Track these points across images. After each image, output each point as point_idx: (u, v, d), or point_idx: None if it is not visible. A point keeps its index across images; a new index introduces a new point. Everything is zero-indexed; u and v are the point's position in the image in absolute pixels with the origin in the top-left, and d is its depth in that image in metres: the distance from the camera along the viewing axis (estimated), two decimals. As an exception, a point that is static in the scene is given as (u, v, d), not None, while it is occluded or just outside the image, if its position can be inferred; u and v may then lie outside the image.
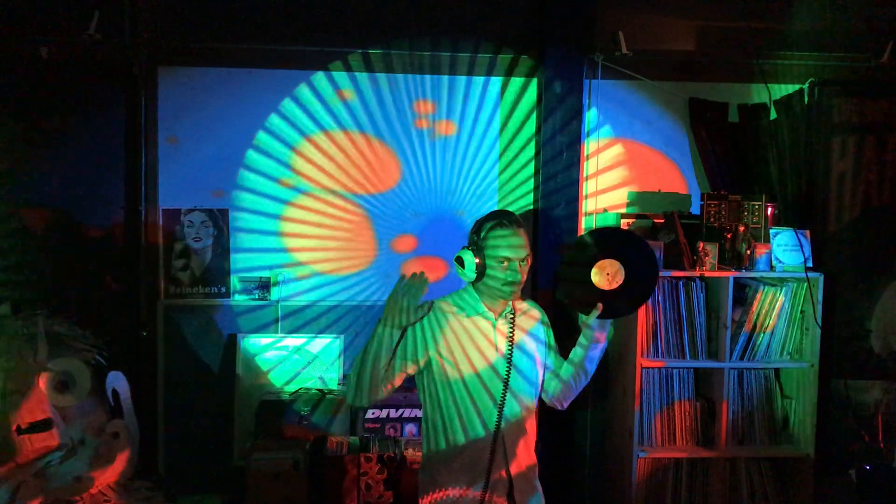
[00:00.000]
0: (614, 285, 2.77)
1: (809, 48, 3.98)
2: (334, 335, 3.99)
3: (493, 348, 2.69)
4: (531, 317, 2.81)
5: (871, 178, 4.03)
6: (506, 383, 2.68)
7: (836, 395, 3.86)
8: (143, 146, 3.88)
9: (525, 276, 2.66)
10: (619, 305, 2.80)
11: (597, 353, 2.82)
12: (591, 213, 4.06)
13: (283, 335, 3.97)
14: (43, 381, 3.30)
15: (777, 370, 3.78)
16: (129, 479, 3.45)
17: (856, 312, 4.03)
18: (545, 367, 2.83)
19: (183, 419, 3.99)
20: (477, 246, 2.64)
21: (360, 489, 3.59)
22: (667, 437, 3.74)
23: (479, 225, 2.67)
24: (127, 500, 3.38)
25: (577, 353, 2.83)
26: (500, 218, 2.65)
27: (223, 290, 3.98)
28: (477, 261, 2.63)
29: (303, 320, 4.02)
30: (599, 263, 2.77)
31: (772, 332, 3.69)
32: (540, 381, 2.81)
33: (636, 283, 2.78)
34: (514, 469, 2.72)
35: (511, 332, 2.70)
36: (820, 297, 3.61)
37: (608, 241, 2.82)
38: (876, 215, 4.00)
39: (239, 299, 3.98)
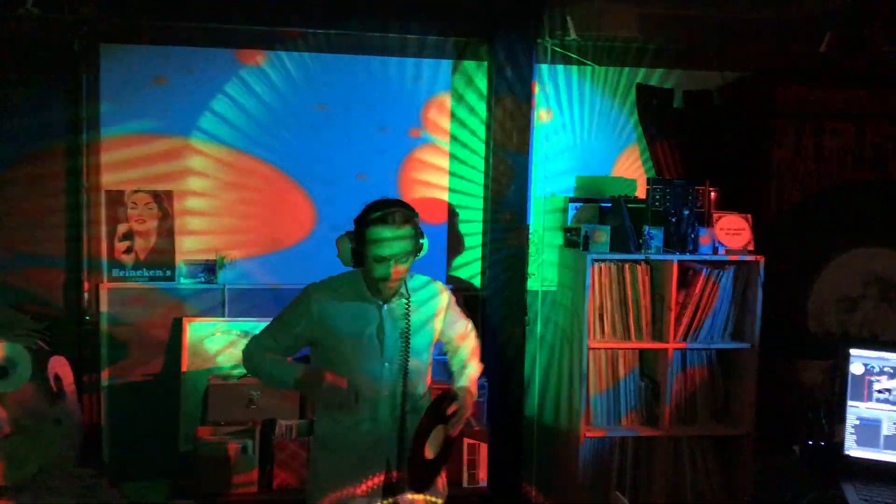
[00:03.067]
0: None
1: (753, 37, 4.06)
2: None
3: (381, 331, 2.70)
4: (426, 296, 2.81)
5: (809, 164, 4.15)
6: (402, 367, 2.70)
7: (776, 375, 3.97)
8: (85, 126, 3.77)
9: (405, 270, 2.64)
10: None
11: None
12: (540, 197, 4.09)
13: (229, 318, 3.92)
14: (-19, 367, 3.21)
15: (719, 351, 3.88)
16: (73, 466, 3.38)
17: (794, 294, 4.15)
18: (444, 341, 2.92)
19: (127, 404, 3.91)
20: (357, 235, 2.62)
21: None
22: (613, 416, 3.81)
23: (365, 214, 2.62)
24: (70, 487, 3.32)
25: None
26: (385, 212, 2.58)
27: (168, 273, 3.91)
28: (353, 248, 2.61)
29: (249, 303, 3.97)
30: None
31: (714, 314, 3.78)
32: (430, 361, 2.86)
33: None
34: (404, 454, 2.72)
35: (406, 316, 2.69)
36: (760, 280, 3.71)
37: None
38: (814, 201, 4.12)
39: (184, 282, 3.92)
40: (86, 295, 3.83)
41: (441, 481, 2.84)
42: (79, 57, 3.73)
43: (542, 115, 4.08)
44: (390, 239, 2.56)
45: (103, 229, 3.85)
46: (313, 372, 2.65)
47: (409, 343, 2.69)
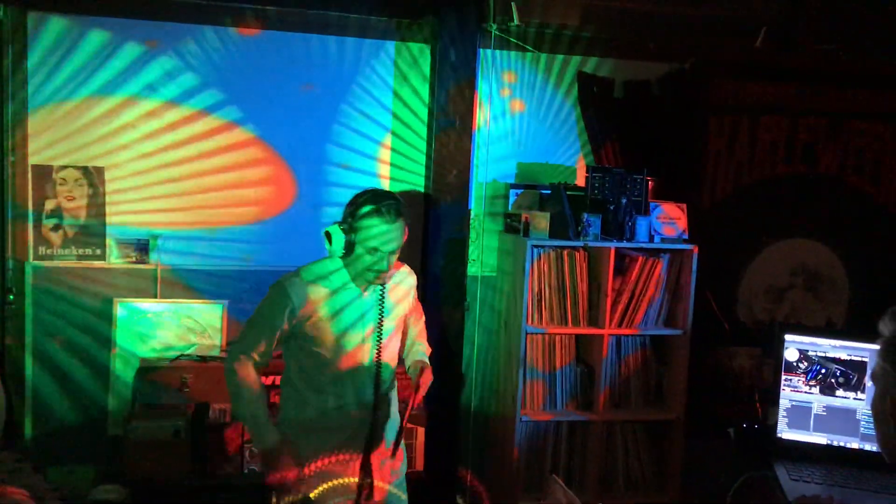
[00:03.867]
0: None
1: (691, 31, 4.13)
2: (216, 301, 3.88)
3: (361, 318, 2.70)
4: (401, 284, 2.86)
5: (743, 156, 4.25)
6: (378, 351, 2.74)
7: (709, 361, 4.08)
8: (10, 97, 3.62)
9: (394, 262, 2.68)
10: None
11: None
12: (481, 183, 4.10)
13: (162, 300, 3.83)
14: None
15: (653, 337, 3.95)
16: (-5, 450, 3.25)
17: (725, 283, 4.26)
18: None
19: (53, 387, 3.78)
20: (349, 226, 2.60)
21: (244, 457, 3.53)
22: (548, 400, 3.85)
23: (357, 205, 2.60)
24: (-8, 471, 3.19)
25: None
26: (381, 205, 2.57)
27: (98, 251, 3.79)
28: (346, 240, 2.60)
29: (183, 284, 3.88)
30: None
31: (649, 301, 3.85)
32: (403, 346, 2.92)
33: None
34: (380, 435, 2.83)
35: (381, 303, 2.72)
36: (694, 268, 3.79)
37: None
38: (747, 192, 4.23)
39: (115, 261, 3.80)
40: (10, 274, 3.68)
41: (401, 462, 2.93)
42: (4, 26, 3.56)
43: (508, 99, 4.07)
44: (385, 233, 2.56)
45: (30, 205, 3.71)
46: (276, 455, 2.65)
47: (383, 328, 2.72)
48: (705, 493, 3.55)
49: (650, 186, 3.92)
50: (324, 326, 2.68)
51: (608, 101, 4.16)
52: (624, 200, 3.80)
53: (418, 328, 3.01)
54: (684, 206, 3.88)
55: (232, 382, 2.70)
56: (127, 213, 3.80)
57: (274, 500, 2.77)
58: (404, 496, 2.98)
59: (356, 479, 2.75)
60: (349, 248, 2.61)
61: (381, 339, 2.72)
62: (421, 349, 2.93)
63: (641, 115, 4.16)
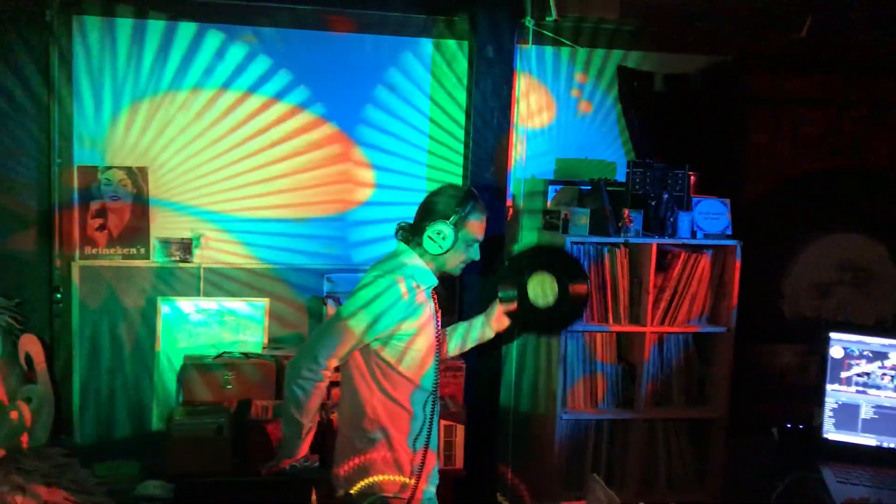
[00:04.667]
0: (543, 303, 2.97)
1: (733, 21, 4.06)
2: (258, 299, 3.92)
3: (434, 318, 2.72)
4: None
5: (786, 150, 4.17)
6: (438, 349, 2.75)
7: (752, 359, 4.01)
8: (57, 100, 3.69)
9: None
10: (541, 322, 3.05)
11: (481, 339, 3.05)
12: (520, 180, 4.08)
13: (205, 298, 3.88)
14: (-51, 345, 3.15)
15: (695, 334, 3.89)
16: (44, 446, 3.33)
17: (770, 279, 4.19)
18: None
19: (100, 384, 3.86)
20: (458, 222, 2.63)
21: (285, 453, 3.56)
22: (589, 399, 3.82)
23: (458, 200, 2.64)
24: (41, 466, 3.26)
25: (470, 329, 2.99)
26: (477, 200, 2.69)
27: (143, 251, 3.85)
28: (454, 235, 2.62)
29: (226, 283, 3.93)
30: (540, 279, 2.94)
31: (692, 298, 3.80)
32: None
33: (563, 310, 3.01)
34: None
35: (435, 303, 2.77)
36: (737, 264, 3.73)
37: (554, 259, 3.04)
38: (791, 186, 4.15)
39: (159, 260, 3.86)
40: (57, 273, 3.75)
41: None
42: (50, 28, 3.63)
43: (545, 95, 4.05)
44: (484, 224, 2.70)
45: (76, 206, 3.78)
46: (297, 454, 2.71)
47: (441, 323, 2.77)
48: (748, 493, 3.49)
49: (692, 181, 3.86)
50: (420, 324, 2.67)
51: (648, 96, 4.11)
52: (665, 196, 3.75)
53: None
54: (727, 200, 3.82)
55: (306, 395, 2.61)
56: (170, 212, 3.86)
57: (314, 495, 2.78)
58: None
59: (398, 478, 2.74)
60: (450, 245, 2.64)
61: (441, 336, 2.78)
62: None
63: (682, 109, 4.11)
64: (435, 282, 2.73)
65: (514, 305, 2.96)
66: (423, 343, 2.68)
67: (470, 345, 3.05)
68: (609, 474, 3.85)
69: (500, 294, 2.97)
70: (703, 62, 4.14)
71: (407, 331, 2.63)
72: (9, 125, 3.65)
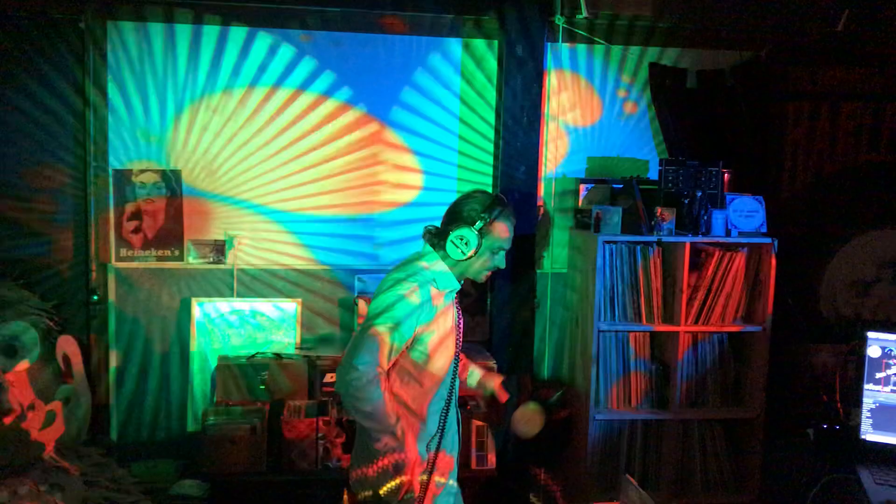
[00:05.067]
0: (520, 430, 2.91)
1: (767, 16, 4.00)
2: (290, 300, 3.94)
3: (454, 323, 2.70)
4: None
5: (823, 145, 4.10)
6: (458, 354, 2.72)
7: (788, 359, 3.94)
8: (92, 104, 3.75)
9: None
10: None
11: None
12: (550, 178, 4.05)
13: (238, 299, 3.91)
14: (-11, 346, 3.21)
15: (730, 334, 3.84)
16: (81, 445, 3.38)
17: (806, 277, 4.12)
18: None
19: (136, 384, 3.91)
20: (483, 228, 2.59)
21: (318, 453, 3.58)
22: (623, 399, 3.79)
23: (486, 207, 2.59)
24: (78, 465, 3.32)
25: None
26: (505, 206, 2.63)
27: (177, 252, 3.90)
28: (478, 242, 2.58)
29: (259, 284, 3.96)
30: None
31: (726, 297, 3.75)
32: None
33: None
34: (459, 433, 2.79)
35: (457, 306, 2.74)
36: (773, 262, 3.67)
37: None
38: (828, 182, 4.08)
39: (193, 262, 3.90)
40: (94, 274, 3.81)
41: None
42: (85, 35, 3.69)
43: (576, 93, 4.01)
44: (511, 232, 2.65)
45: (111, 209, 3.83)
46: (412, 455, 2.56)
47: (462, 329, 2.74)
48: (783, 494, 3.44)
49: (726, 179, 3.81)
50: (438, 330, 2.65)
51: (681, 92, 4.06)
52: (699, 193, 3.70)
53: None
54: (762, 197, 3.76)
55: (369, 400, 2.44)
56: (203, 214, 3.90)
57: (346, 495, 2.79)
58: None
59: (425, 478, 2.73)
60: (475, 251, 2.61)
61: (460, 341, 2.74)
62: None
63: (716, 105, 4.05)
64: (456, 286, 2.68)
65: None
66: (439, 349, 2.63)
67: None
68: (644, 475, 3.81)
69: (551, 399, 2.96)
70: (737, 57, 4.08)
71: (424, 336, 2.60)
72: (46, 131, 3.72)
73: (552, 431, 2.92)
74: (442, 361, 2.65)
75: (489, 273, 2.68)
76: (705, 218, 3.67)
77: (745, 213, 3.74)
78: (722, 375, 3.84)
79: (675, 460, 3.81)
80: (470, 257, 2.60)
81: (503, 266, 2.67)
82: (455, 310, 2.73)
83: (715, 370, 3.82)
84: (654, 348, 3.84)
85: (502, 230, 2.61)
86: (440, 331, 2.63)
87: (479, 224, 2.58)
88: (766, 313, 3.72)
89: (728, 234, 3.71)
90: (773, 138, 4.05)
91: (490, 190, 3.98)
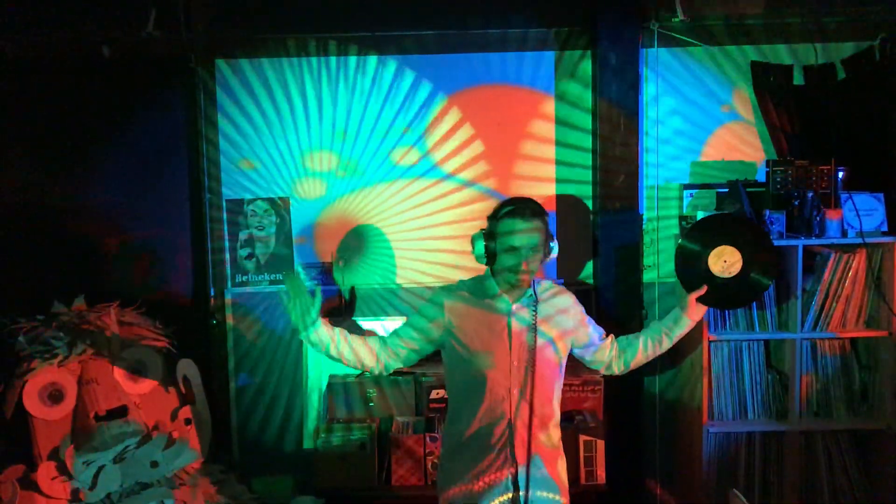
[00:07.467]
0: (727, 273, 3.03)
1: (878, 2, 3.79)
2: (398, 318, 4.01)
3: (507, 332, 2.69)
4: (556, 302, 2.82)
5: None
6: (527, 369, 2.70)
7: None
8: (205, 140, 3.96)
9: (535, 266, 2.70)
10: (730, 294, 3.08)
11: (683, 331, 2.95)
12: (652, 186, 3.97)
13: (347, 318, 4.01)
14: (117, 370, 3.41)
15: (853, 339, 3.64)
16: (203, 463, 3.55)
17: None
18: (588, 346, 2.91)
19: (254, 404, 4.08)
20: (490, 231, 2.71)
21: (426, 469, 3.62)
22: (738, 410, 3.65)
23: (496, 210, 2.73)
24: (201, 482, 3.48)
25: (664, 324, 2.96)
26: (518, 206, 2.69)
27: (288, 276, 4.04)
28: (486, 245, 2.70)
29: (368, 303, 4.05)
30: (719, 250, 3.03)
31: (846, 301, 3.55)
32: (562, 366, 2.83)
33: (751, 276, 3.07)
34: (523, 456, 2.71)
35: (533, 319, 2.71)
36: (896, 263, 3.46)
37: (729, 228, 3.12)
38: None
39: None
40: (212, 300, 4.00)
41: (561, 477, 2.82)
42: (195, 73, 3.91)
43: (675, 97, 3.94)
44: (521, 230, 2.65)
45: (226, 236, 4.03)
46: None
47: (536, 345, 2.71)
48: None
49: (840, 177, 3.62)
50: (472, 338, 2.72)
51: (787, 89, 3.89)
52: (810, 194, 3.54)
53: (598, 331, 2.96)
54: (881, 195, 3.55)
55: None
56: (311, 238, 4.04)
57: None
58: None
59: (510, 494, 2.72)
60: (491, 254, 2.70)
61: (532, 357, 2.70)
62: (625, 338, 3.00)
63: (826, 101, 3.86)
64: (495, 290, 2.75)
65: (703, 290, 2.97)
66: (482, 354, 2.72)
67: (667, 346, 2.96)
68: (765, 489, 3.65)
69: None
70: (846, 49, 3.88)
71: (457, 338, 2.74)
72: (162, 164, 3.95)
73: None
74: (486, 368, 2.71)
75: (522, 275, 2.67)
76: (818, 219, 3.50)
77: (863, 212, 3.54)
78: (846, 384, 3.64)
79: (798, 474, 3.63)
80: (488, 261, 2.72)
81: (515, 266, 2.66)
82: (513, 320, 2.73)
83: (838, 378, 3.63)
84: (769, 357, 3.68)
85: (507, 228, 2.66)
86: (475, 339, 2.73)
87: (486, 229, 2.73)
88: (892, 317, 3.50)
89: (844, 234, 3.52)
90: (892, 132, 3.81)
91: (590, 203, 3.95)
